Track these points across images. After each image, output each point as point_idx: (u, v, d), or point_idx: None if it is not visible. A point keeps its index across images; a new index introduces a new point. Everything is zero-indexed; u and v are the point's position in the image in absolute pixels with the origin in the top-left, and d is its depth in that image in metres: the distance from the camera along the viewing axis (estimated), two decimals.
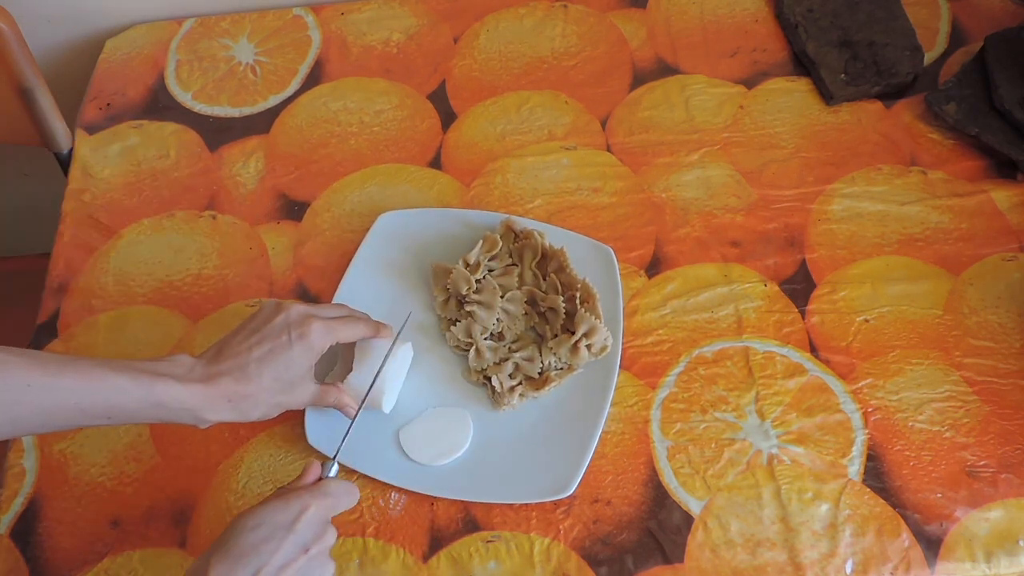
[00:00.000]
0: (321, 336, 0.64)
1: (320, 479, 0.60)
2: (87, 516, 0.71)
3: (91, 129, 0.94)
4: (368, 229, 0.82)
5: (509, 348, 0.74)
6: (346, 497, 0.60)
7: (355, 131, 0.91)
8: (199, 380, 0.60)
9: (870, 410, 0.71)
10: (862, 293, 0.77)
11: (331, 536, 0.58)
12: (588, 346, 0.72)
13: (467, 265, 0.76)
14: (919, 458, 0.69)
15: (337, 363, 0.72)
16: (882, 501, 0.67)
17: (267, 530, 0.54)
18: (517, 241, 0.79)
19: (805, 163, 0.85)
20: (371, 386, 0.68)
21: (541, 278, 0.77)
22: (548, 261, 0.77)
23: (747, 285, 0.78)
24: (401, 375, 0.73)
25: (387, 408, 0.71)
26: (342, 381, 0.69)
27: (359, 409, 0.68)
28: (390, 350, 0.70)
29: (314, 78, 0.96)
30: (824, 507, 0.67)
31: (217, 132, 0.92)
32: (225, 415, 0.61)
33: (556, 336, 0.73)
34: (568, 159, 0.87)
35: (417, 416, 0.72)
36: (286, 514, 0.55)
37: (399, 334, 0.71)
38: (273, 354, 0.62)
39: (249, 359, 0.62)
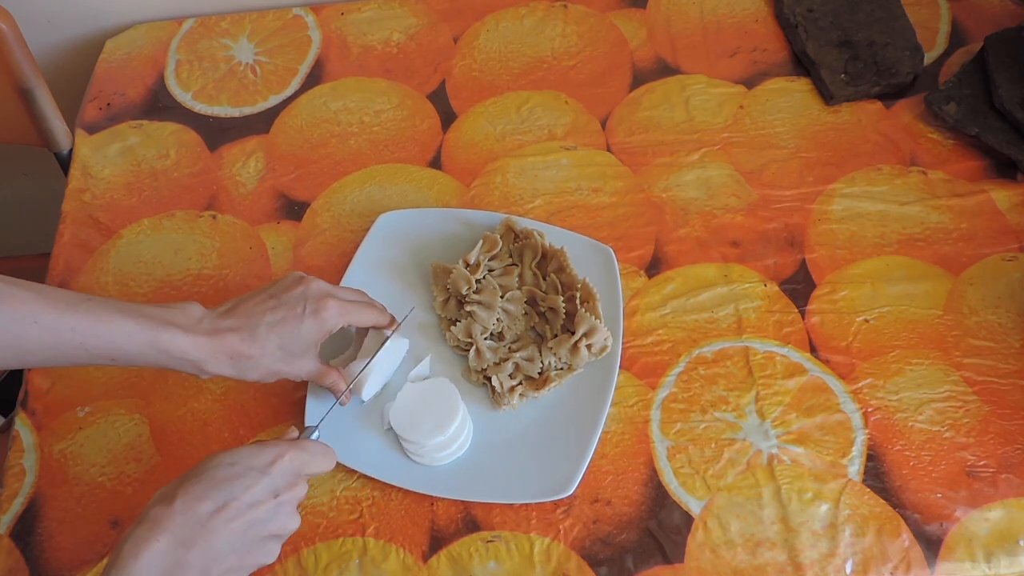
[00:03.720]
0: (335, 316, 0.65)
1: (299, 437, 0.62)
2: (87, 516, 0.71)
3: (91, 129, 0.94)
4: (368, 229, 0.82)
5: (509, 348, 0.74)
6: (322, 457, 0.60)
7: (355, 131, 0.91)
8: (205, 333, 0.61)
9: (870, 410, 0.71)
10: (862, 293, 0.77)
11: (302, 489, 0.58)
12: (588, 346, 0.72)
13: (467, 265, 0.76)
14: (919, 458, 0.69)
15: (350, 347, 0.73)
16: (882, 501, 0.67)
17: (241, 468, 0.54)
18: (517, 241, 0.79)
19: (805, 163, 0.85)
20: (359, 372, 0.69)
21: (541, 278, 0.77)
22: (548, 261, 0.77)
23: (747, 285, 0.78)
24: (392, 366, 0.73)
25: (366, 396, 0.71)
26: (346, 366, 0.70)
27: (345, 390, 0.69)
28: (384, 341, 0.71)
29: (314, 78, 0.96)
30: (824, 507, 0.67)
31: (217, 132, 0.92)
32: (225, 370, 0.62)
33: (556, 336, 0.73)
34: (568, 159, 0.87)
35: (398, 395, 0.71)
36: (262, 458, 0.56)
37: (399, 325, 0.72)
38: (284, 323, 0.63)
39: (260, 322, 0.63)
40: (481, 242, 0.78)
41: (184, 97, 0.95)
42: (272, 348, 0.63)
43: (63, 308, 0.57)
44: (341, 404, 0.70)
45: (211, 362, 0.61)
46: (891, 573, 0.64)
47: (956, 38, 0.92)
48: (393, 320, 0.71)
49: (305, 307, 0.64)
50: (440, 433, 0.68)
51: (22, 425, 0.75)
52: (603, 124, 0.89)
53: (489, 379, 0.72)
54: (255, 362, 0.63)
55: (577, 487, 0.68)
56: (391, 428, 0.71)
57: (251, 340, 0.62)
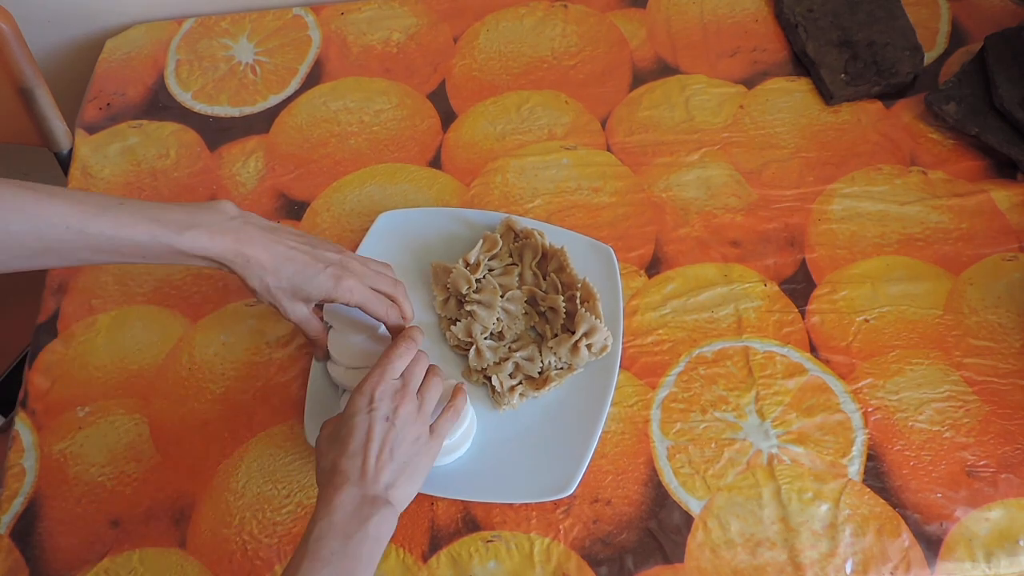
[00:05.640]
0: (348, 292, 0.67)
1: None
2: (87, 516, 0.71)
3: (91, 129, 0.94)
4: (368, 228, 0.82)
5: (509, 348, 0.74)
6: (401, 356, 0.65)
7: (355, 131, 0.91)
8: (232, 232, 0.63)
9: (870, 410, 0.71)
10: (862, 293, 0.77)
11: (408, 398, 0.63)
12: (588, 346, 0.72)
13: (467, 264, 0.76)
14: (919, 458, 0.69)
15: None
16: (882, 501, 0.67)
17: (352, 420, 0.61)
18: (517, 240, 0.79)
19: (805, 163, 0.85)
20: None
21: (541, 277, 0.77)
22: (548, 260, 0.77)
23: (747, 285, 0.78)
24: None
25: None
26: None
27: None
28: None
29: (314, 78, 0.96)
30: (824, 507, 0.67)
31: (217, 132, 0.92)
32: (237, 267, 0.64)
33: (556, 336, 0.73)
34: (568, 159, 0.87)
35: None
36: (360, 402, 0.62)
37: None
38: (303, 262, 0.65)
39: (285, 245, 0.65)
40: (481, 242, 0.78)
41: (184, 97, 0.95)
42: (279, 266, 0.65)
43: (92, 214, 0.60)
44: (316, 359, 0.74)
45: (233, 260, 0.63)
46: (891, 573, 0.64)
47: (956, 38, 0.92)
48: (402, 328, 0.70)
49: (327, 268, 0.66)
50: (448, 436, 0.69)
51: (22, 425, 0.75)
52: (603, 124, 0.89)
53: (489, 379, 0.72)
54: (262, 272, 0.64)
55: (577, 487, 0.68)
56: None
57: (268, 252, 0.64)
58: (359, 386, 0.63)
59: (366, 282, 0.68)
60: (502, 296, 0.76)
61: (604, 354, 0.73)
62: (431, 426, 0.65)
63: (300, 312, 0.68)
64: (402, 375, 0.65)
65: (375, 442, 0.60)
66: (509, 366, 0.72)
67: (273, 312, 0.79)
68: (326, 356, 0.72)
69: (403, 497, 0.61)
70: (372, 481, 0.59)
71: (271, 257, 0.64)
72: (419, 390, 0.65)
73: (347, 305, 0.68)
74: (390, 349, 0.65)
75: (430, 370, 0.67)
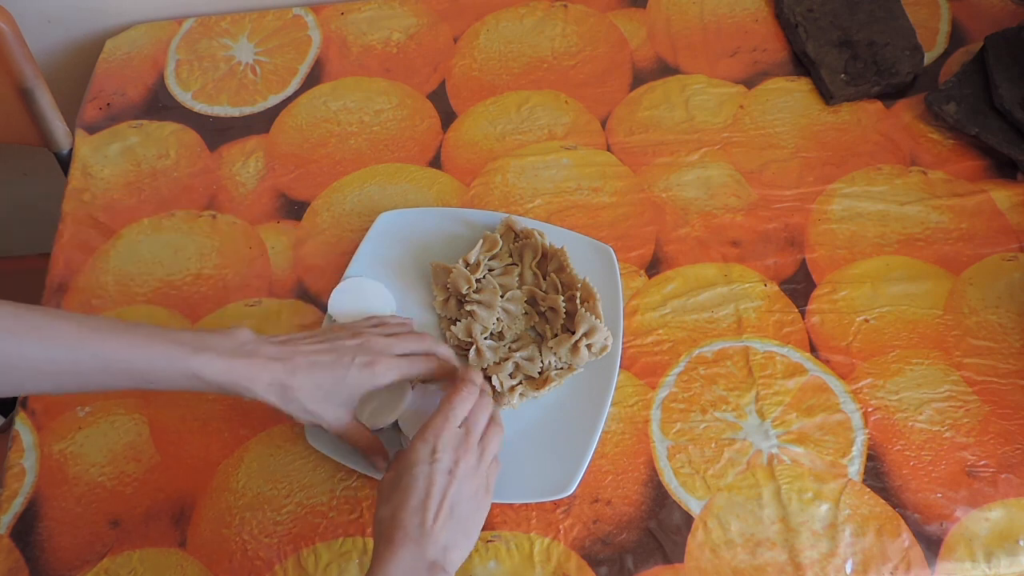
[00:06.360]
0: (385, 373, 0.65)
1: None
2: (87, 516, 0.71)
3: (91, 129, 0.94)
4: (368, 228, 0.82)
5: (509, 348, 0.74)
6: (465, 401, 0.63)
7: (355, 131, 0.91)
8: (245, 355, 0.61)
9: (870, 410, 0.71)
10: (862, 293, 0.77)
11: (470, 450, 0.61)
12: (588, 346, 0.72)
13: (467, 264, 0.76)
14: (919, 458, 0.69)
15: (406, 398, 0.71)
16: (882, 501, 0.67)
17: (413, 473, 0.59)
18: (517, 240, 0.79)
19: (805, 163, 0.85)
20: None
21: (541, 277, 0.77)
22: (548, 260, 0.77)
23: (747, 285, 0.78)
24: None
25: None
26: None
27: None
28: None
29: (314, 78, 0.96)
30: (824, 507, 0.67)
31: (217, 132, 0.92)
32: (270, 397, 0.62)
33: (556, 336, 0.73)
34: (568, 159, 0.87)
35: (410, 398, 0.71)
36: (423, 452, 0.60)
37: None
38: (329, 366, 0.63)
39: (304, 358, 0.63)
40: (481, 242, 0.78)
41: (184, 97, 0.95)
42: (309, 385, 0.62)
43: (104, 334, 0.58)
44: (378, 469, 0.69)
45: (252, 387, 0.61)
46: (891, 573, 0.64)
47: (956, 38, 0.92)
48: (454, 369, 0.69)
49: (356, 358, 0.64)
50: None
51: (22, 425, 0.75)
52: (603, 124, 0.89)
53: (489, 379, 0.72)
54: (293, 394, 0.62)
55: (577, 487, 0.68)
56: (388, 427, 0.71)
57: (290, 371, 0.62)
58: (421, 432, 0.61)
59: (394, 351, 0.66)
60: (502, 296, 0.76)
61: (604, 354, 0.73)
62: None
63: (341, 419, 0.65)
64: (464, 422, 0.63)
65: (435, 497, 0.58)
66: (509, 366, 0.72)
67: (273, 312, 0.80)
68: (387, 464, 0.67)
69: (458, 560, 0.59)
70: (431, 541, 0.57)
71: (291, 373, 0.62)
72: (480, 439, 0.63)
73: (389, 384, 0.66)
74: (452, 393, 0.63)
75: (491, 418, 0.65)
